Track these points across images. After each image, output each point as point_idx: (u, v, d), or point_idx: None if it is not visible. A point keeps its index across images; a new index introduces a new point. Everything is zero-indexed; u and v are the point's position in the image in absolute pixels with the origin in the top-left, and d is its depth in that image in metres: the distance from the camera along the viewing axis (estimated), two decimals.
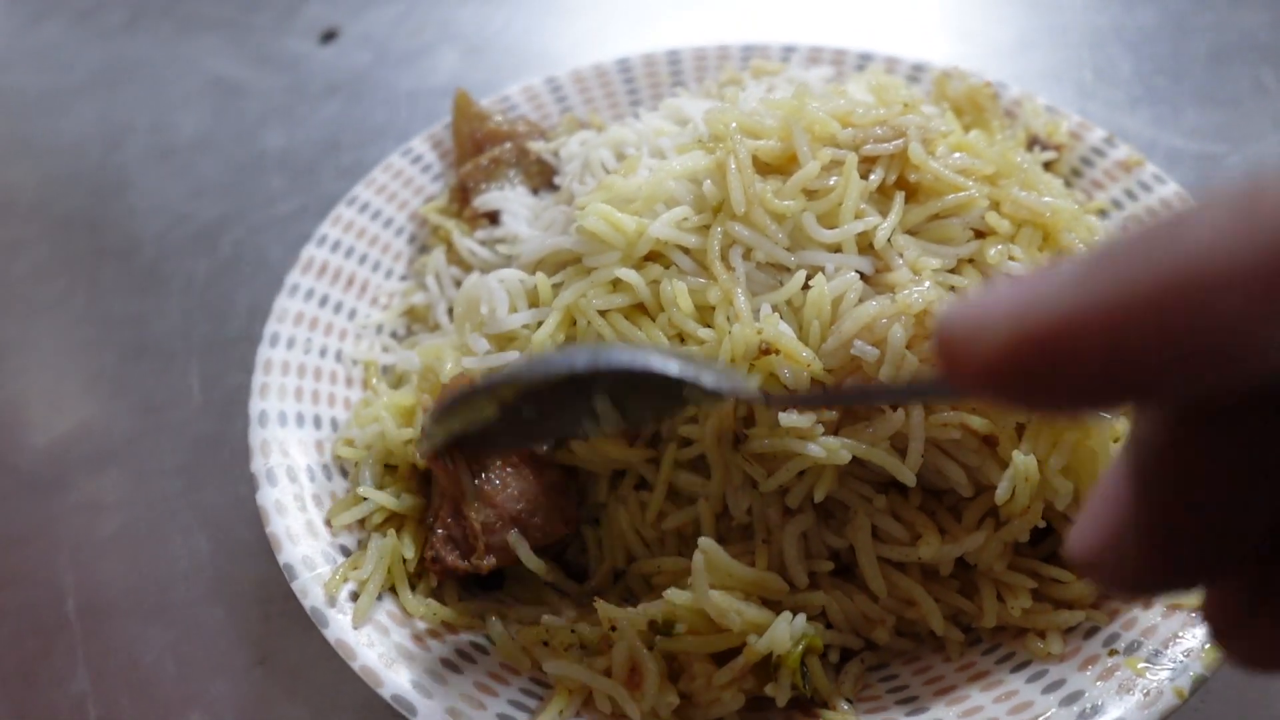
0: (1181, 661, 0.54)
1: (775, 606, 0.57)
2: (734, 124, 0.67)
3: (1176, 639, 0.55)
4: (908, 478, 0.58)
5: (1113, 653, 0.56)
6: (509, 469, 0.63)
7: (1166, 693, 0.52)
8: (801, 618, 0.55)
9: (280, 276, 0.97)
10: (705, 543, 0.56)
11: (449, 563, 0.60)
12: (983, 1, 1.28)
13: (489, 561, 0.60)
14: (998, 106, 0.86)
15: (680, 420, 0.63)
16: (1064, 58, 1.17)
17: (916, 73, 0.96)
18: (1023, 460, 0.58)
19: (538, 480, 0.63)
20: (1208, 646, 0.54)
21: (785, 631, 0.53)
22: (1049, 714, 0.53)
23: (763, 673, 0.54)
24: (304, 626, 0.70)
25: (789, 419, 0.57)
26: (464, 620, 0.62)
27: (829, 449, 0.56)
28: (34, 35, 1.35)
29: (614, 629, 0.56)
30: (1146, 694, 0.53)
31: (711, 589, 0.55)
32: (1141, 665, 0.54)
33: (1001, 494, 0.58)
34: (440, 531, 0.62)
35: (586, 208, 0.65)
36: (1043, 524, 0.61)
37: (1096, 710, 0.53)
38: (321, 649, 0.69)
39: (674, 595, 0.56)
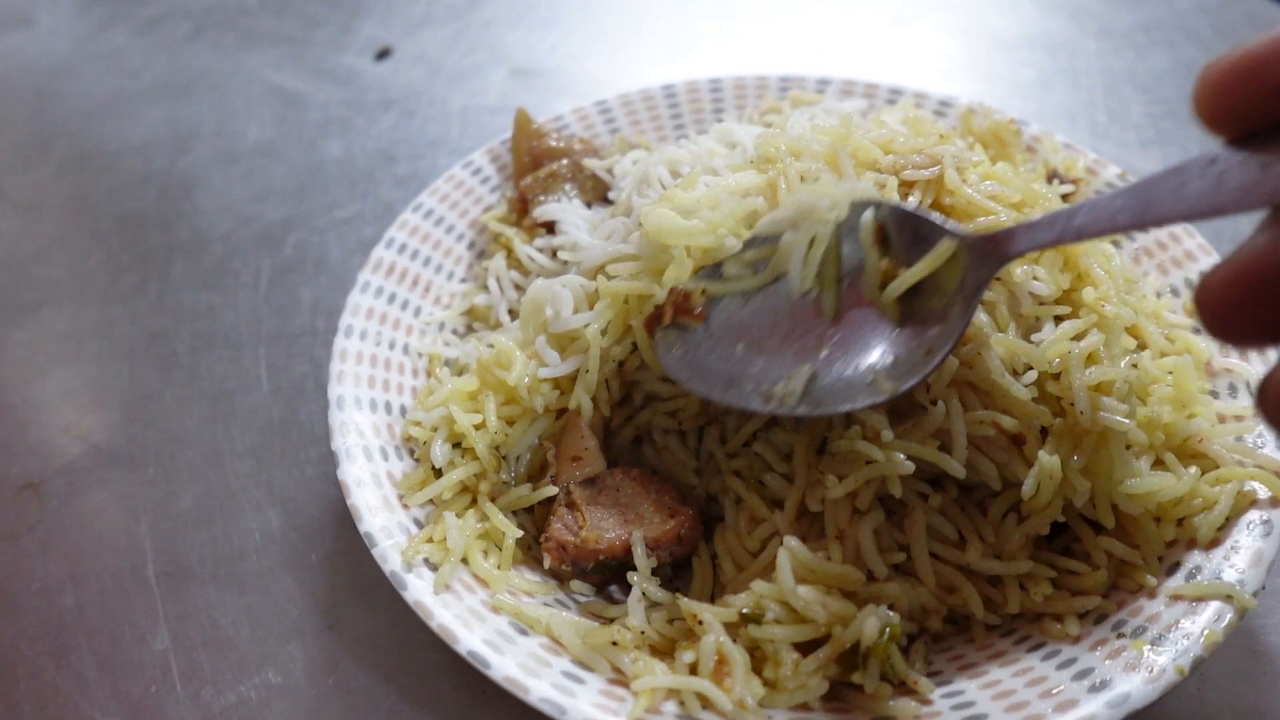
0: (1183, 644, 0.59)
1: (850, 596, 0.62)
2: (783, 146, 0.74)
3: (1178, 625, 0.61)
4: (956, 470, 0.64)
5: (1120, 636, 0.62)
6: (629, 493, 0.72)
7: (1169, 670, 0.58)
8: (884, 609, 0.60)
9: (340, 277, 1.04)
10: (790, 540, 0.62)
11: (568, 550, 0.68)
12: (1004, 44, 1.35)
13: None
14: (1020, 141, 0.93)
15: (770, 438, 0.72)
16: (1079, 99, 1.24)
17: (943, 108, 1.02)
18: (1048, 459, 0.64)
19: (655, 506, 0.71)
20: (1207, 631, 0.59)
21: (873, 624, 0.58)
22: (1063, 687, 0.59)
23: (845, 660, 0.59)
24: (370, 597, 0.76)
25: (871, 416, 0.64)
26: (541, 589, 0.68)
27: (890, 458, 0.63)
28: (101, 43, 1.43)
29: (700, 622, 0.61)
30: (1151, 671, 0.58)
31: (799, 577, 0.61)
32: (1146, 647, 0.60)
33: (1027, 490, 0.64)
34: (557, 524, 0.68)
35: (652, 212, 0.72)
36: (1060, 519, 0.67)
37: (1106, 685, 0.58)
38: (387, 616, 0.75)
39: (759, 586, 0.61)
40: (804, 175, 0.73)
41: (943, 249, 0.62)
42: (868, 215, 0.66)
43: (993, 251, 0.60)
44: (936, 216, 0.64)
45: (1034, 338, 0.70)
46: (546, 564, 0.69)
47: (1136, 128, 1.19)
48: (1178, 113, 1.20)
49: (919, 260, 0.63)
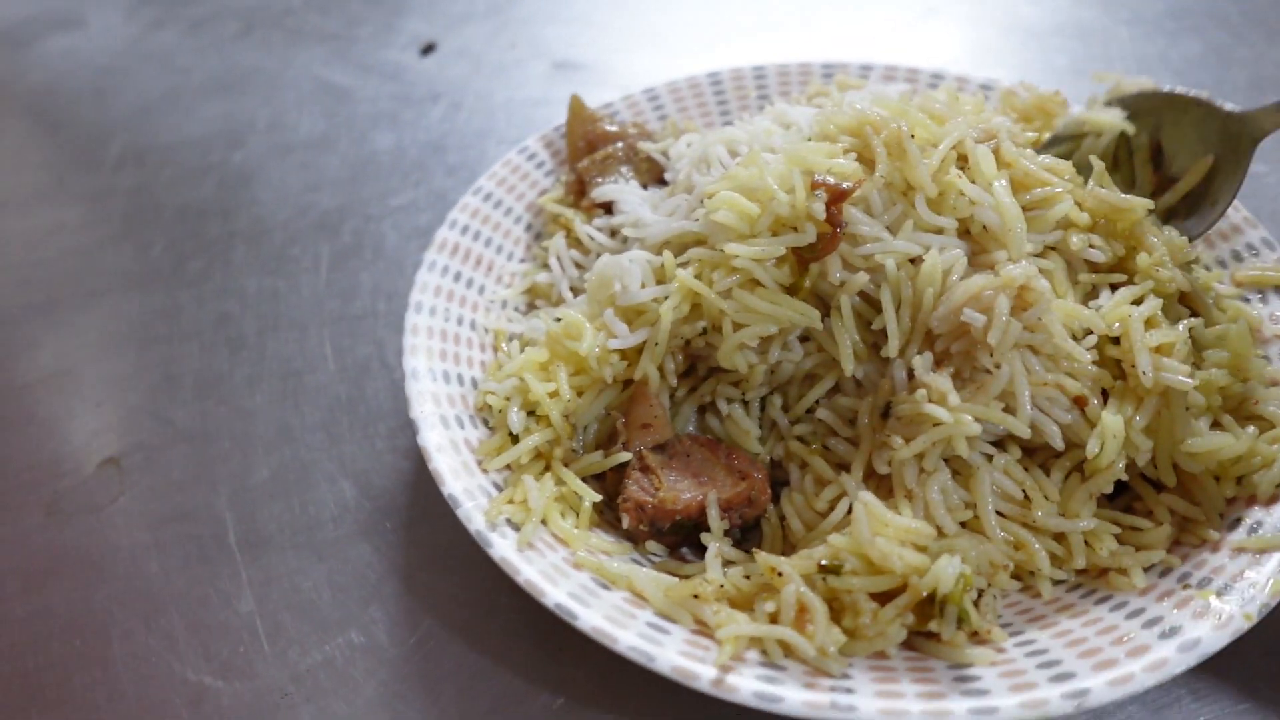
0: (1250, 593, 0.61)
1: (921, 551, 0.63)
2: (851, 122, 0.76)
3: (1243, 575, 0.62)
4: (1022, 430, 0.66)
5: (1186, 587, 0.64)
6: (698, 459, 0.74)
7: (1236, 617, 0.60)
8: (957, 559, 0.62)
9: (398, 262, 1.07)
10: (864, 495, 0.64)
11: (646, 510, 0.70)
12: (1036, 33, 1.37)
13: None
14: (1067, 113, 0.95)
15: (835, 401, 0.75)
16: None
17: (984, 91, 1.05)
18: (1111, 419, 0.66)
19: (726, 469, 0.73)
20: (1273, 581, 0.61)
21: (950, 572, 0.60)
22: (1133, 634, 0.61)
23: (921, 609, 0.61)
24: (445, 562, 0.78)
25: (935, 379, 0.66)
26: (617, 549, 0.70)
27: (958, 420, 0.64)
28: (152, 42, 1.46)
29: (779, 575, 0.63)
30: (1220, 618, 0.60)
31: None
32: (1213, 596, 0.62)
33: (1092, 449, 0.66)
34: (634, 486, 0.71)
35: (716, 195, 0.74)
36: (1122, 478, 0.69)
37: (1176, 631, 0.60)
38: (463, 579, 0.77)
39: (836, 540, 0.63)
40: (860, 153, 0.76)
41: (1202, 164, 0.83)
42: (1142, 138, 0.87)
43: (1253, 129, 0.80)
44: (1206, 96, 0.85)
45: (1091, 304, 0.72)
46: (625, 524, 0.71)
47: None
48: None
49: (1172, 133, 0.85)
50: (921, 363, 0.69)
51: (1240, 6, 1.41)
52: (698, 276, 0.74)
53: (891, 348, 0.70)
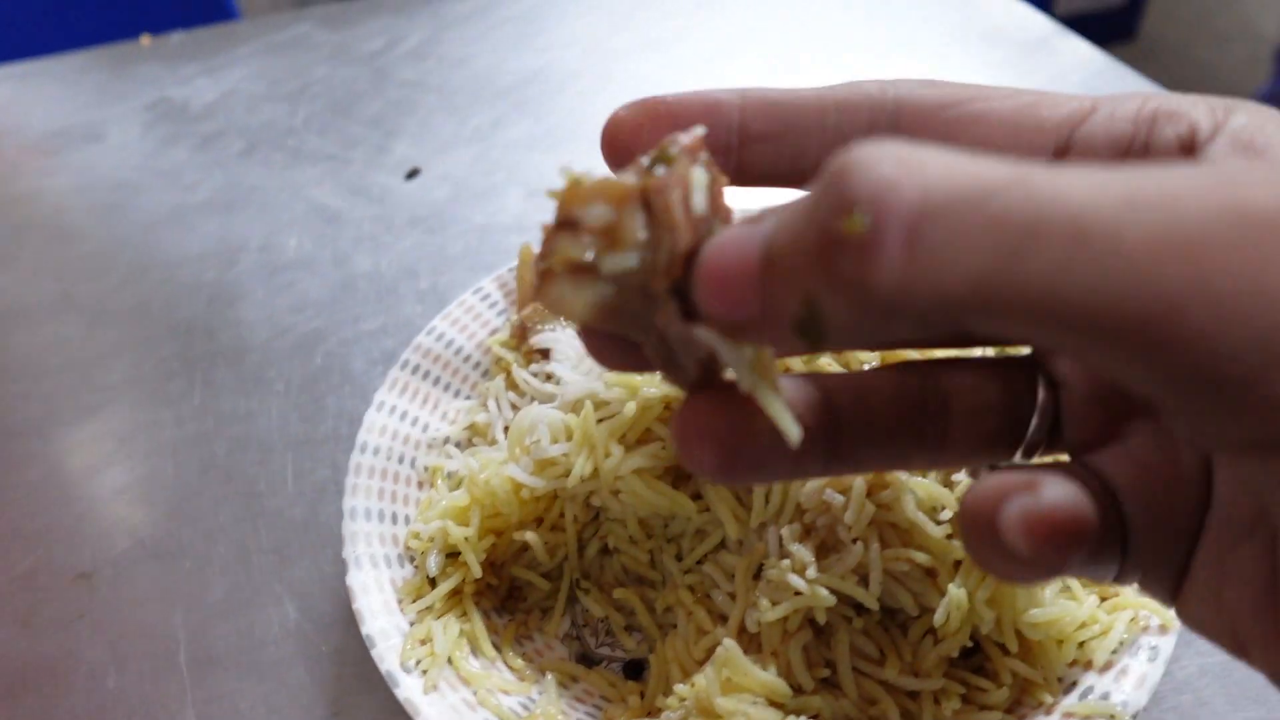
0: None
1: (779, 707, 0.71)
2: None
3: None
4: (870, 602, 0.74)
5: None
6: None
7: None
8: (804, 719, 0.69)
9: (362, 386, 1.16)
10: (729, 643, 0.72)
11: None
12: None
13: None
14: None
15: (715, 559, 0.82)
16: None
17: None
18: (956, 592, 0.73)
19: None
20: None
21: None
22: None
23: None
24: (372, 687, 0.86)
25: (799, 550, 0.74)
26: (517, 688, 0.78)
27: (814, 591, 0.72)
28: (164, 158, 1.59)
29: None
30: None
31: (727, 687, 0.71)
32: None
33: (938, 619, 0.73)
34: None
35: (607, 374, 0.83)
36: (970, 644, 0.75)
37: None
38: (384, 706, 0.85)
39: (681, 690, 0.71)
40: None
41: None
42: None
43: None
44: None
45: (955, 477, 0.80)
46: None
47: None
48: None
49: None
50: (789, 533, 0.77)
51: None
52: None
53: (754, 519, 0.78)
